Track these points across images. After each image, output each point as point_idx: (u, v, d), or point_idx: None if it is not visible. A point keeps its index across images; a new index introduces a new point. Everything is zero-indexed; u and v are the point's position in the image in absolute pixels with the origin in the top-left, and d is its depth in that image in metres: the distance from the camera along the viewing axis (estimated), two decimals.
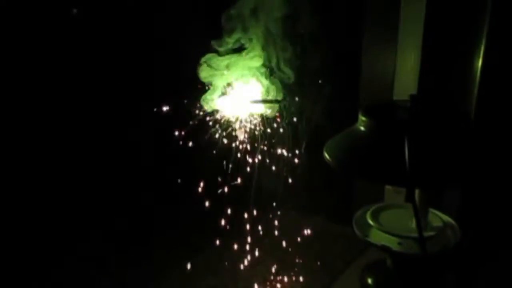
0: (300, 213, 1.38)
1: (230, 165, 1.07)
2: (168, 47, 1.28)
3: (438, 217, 0.88)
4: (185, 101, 1.00)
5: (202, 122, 1.02)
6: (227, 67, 0.93)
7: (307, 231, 1.23)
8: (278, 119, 1.04)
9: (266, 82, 0.96)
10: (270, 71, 0.97)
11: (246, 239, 1.19)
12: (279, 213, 1.24)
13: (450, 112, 0.81)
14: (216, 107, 0.96)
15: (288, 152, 1.12)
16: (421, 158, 0.68)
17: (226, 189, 1.11)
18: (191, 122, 1.00)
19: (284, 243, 1.21)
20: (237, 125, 1.02)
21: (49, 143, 1.27)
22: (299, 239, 1.23)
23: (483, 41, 0.97)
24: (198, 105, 0.99)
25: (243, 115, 0.99)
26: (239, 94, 0.96)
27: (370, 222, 0.86)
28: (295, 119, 1.08)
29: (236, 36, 0.92)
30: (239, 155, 1.09)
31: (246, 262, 1.17)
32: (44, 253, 1.25)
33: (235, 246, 1.17)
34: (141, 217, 1.38)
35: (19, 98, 1.22)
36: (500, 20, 0.96)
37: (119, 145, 1.36)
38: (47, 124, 1.27)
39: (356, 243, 1.16)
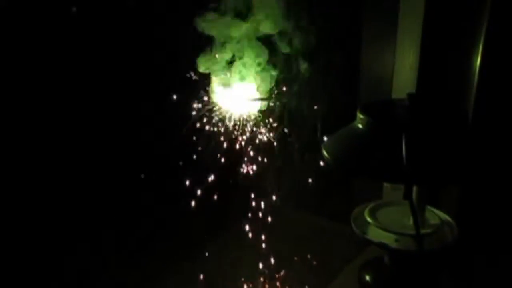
0: (299, 211, 1.38)
1: (230, 162, 1.08)
2: (168, 47, 1.28)
3: (435, 215, 0.88)
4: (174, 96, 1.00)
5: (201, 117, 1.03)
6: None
7: (306, 229, 1.24)
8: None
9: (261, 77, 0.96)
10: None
11: (245, 238, 1.20)
12: (278, 211, 1.25)
13: (448, 110, 0.81)
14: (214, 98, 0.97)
15: (288, 150, 1.13)
16: (418, 155, 0.68)
17: (226, 190, 1.12)
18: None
19: (283, 241, 1.22)
20: (237, 122, 1.03)
21: (49, 143, 1.28)
22: (298, 237, 1.23)
23: (482, 40, 0.98)
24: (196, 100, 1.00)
25: (242, 112, 1.00)
26: (238, 91, 0.97)
27: (368, 219, 0.87)
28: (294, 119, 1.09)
29: None
30: (239, 154, 1.10)
31: (245, 261, 1.18)
32: (43, 252, 1.26)
33: (235, 246, 1.18)
34: (140, 217, 1.39)
35: (19, 98, 1.22)
36: (498, 18, 0.96)
37: (118, 145, 1.36)
38: (46, 124, 1.28)
39: (355, 241, 1.16)
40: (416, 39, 1.05)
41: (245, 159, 1.14)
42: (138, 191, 1.40)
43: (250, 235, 1.21)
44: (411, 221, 0.81)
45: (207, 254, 1.22)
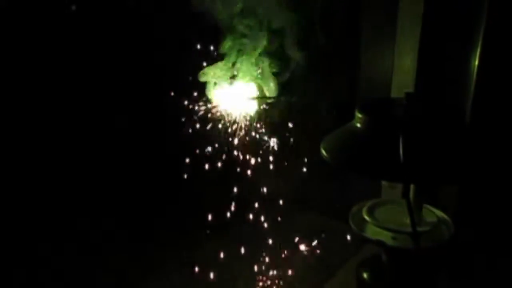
0: (297, 208, 1.39)
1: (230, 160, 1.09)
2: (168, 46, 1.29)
3: (432, 213, 0.89)
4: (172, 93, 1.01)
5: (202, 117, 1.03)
6: None
7: (304, 227, 1.24)
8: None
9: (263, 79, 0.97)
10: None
11: (244, 236, 1.21)
12: (276, 208, 1.25)
13: (445, 109, 0.82)
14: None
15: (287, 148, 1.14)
16: (416, 154, 0.69)
17: (225, 188, 1.13)
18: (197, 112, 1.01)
19: (281, 239, 1.22)
20: (237, 120, 1.04)
21: (49, 143, 1.29)
22: (296, 235, 1.24)
23: (480, 41, 0.98)
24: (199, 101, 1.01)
25: (241, 111, 1.01)
26: (238, 90, 0.98)
27: (366, 217, 0.87)
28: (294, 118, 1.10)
29: None
30: (239, 152, 1.11)
31: (243, 259, 1.18)
32: (43, 249, 1.26)
33: (235, 244, 1.18)
34: (141, 216, 1.39)
35: (20, 98, 1.23)
36: (496, 20, 0.96)
37: (118, 144, 1.37)
38: (46, 124, 1.28)
39: (353, 239, 1.17)
40: (415, 39, 1.06)
41: (246, 157, 1.15)
42: (137, 191, 1.41)
43: (249, 233, 1.22)
44: (408, 219, 0.81)
45: (205, 251, 1.22)
